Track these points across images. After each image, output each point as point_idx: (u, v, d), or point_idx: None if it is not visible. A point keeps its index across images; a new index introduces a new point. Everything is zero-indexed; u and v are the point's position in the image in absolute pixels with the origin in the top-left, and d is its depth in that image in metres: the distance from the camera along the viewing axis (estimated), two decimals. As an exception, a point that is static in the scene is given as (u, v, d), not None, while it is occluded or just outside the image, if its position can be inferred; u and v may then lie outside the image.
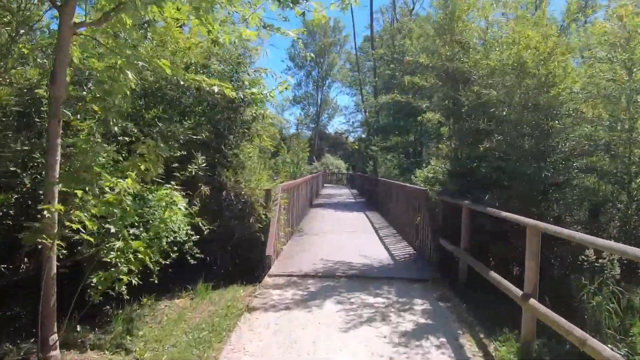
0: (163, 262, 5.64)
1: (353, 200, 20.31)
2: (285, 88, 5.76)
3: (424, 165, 18.49)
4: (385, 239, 9.70)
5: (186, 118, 6.74)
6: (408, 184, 10.32)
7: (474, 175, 7.03)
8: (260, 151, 8.59)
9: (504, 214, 4.73)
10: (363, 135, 61.53)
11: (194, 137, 6.43)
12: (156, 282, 5.47)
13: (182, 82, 4.88)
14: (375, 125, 21.14)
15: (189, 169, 6.23)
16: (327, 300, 5.38)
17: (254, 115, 7.45)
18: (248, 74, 7.25)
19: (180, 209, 3.71)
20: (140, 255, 3.64)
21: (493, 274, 4.76)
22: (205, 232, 6.11)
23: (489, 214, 5.15)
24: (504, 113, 6.26)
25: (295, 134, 65.55)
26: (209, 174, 6.84)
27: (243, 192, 7.17)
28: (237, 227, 7.17)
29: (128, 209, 3.74)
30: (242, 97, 5.65)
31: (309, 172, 36.05)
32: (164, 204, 3.73)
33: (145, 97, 6.84)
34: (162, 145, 3.26)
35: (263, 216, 7.25)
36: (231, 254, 7.45)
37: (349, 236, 9.89)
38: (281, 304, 5.28)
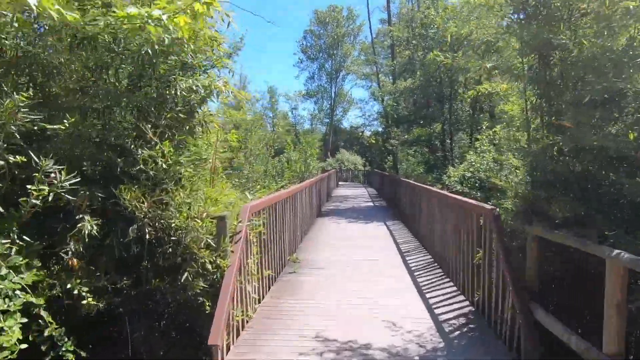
0: None
1: (370, 204, 17.02)
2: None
3: (456, 161, 15.08)
4: (419, 276, 6.40)
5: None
6: (456, 195, 6.69)
7: (597, 187, 3.73)
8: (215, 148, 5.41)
9: None
10: (380, 129, 58.04)
11: (46, 126, 3.25)
12: None
13: None
14: (395, 114, 17.70)
15: (33, 192, 3.08)
16: None
17: (196, 88, 4.26)
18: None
19: None
20: None
21: None
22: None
23: None
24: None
25: (310, 130, 62.67)
26: (101, 195, 3.69)
27: (173, 226, 3.99)
28: (166, 288, 4.01)
29: None
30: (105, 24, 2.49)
31: (321, 170, 32.93)
32: None
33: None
34: None
35: (211, 266, 4.07)
36: (162, 330, 4.32)
37: (366, 275, 6.59)
38: None
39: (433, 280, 6.19)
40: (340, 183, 33.48)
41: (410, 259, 7.46)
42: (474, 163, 11.35)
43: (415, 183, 10.15)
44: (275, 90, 65.70)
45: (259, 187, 16.25)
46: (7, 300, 2.70)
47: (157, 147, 3.82)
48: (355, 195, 21.01)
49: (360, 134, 60.22)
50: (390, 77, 22.21)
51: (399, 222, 11.98)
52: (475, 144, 12.36)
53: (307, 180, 11.42)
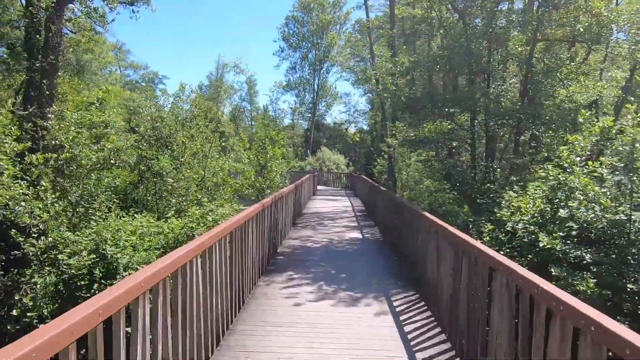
0: None
1: (358, 236, 10.88)
2: None
3: (505, 183, 9.04)
4: None
5: None
6: None
7: None
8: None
9: None
10: (365, 127, 51.98)
11: None
12: None
13: None
14: (403, 97, 11.18)
15: None
16: None
17: None
18: None
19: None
20: None
21: None
22: None
23: None
24: None
25: (290, 125, 56.52)
26: None
27: None
28: None
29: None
30: None
31: (298, 170, 26.75)
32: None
33: None
34: None
35: None
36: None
37: None
38: None
39: None
40: (319, 188, 27.44)
41: None
42: (579, 190, 5.38)
43: (489, 254, 3.81)
44: (255, 81, 59.58)
45: (172, 213, 10.06)
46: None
47: None
48: (335, 213, 14.92)
49: (344, 131, 54.44)
50: (390, 46, 15.95)
51: (416, 299, 5.95)
52: (560, 150, 6.41)
53: (235, 219, 5.23)
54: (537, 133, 9.67)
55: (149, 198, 11.29)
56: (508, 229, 6.43)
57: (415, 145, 10.76)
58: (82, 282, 7.29)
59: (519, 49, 10.08)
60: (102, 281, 7.35)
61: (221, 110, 49.87)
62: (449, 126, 10.61)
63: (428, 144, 10.41)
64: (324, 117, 55.69)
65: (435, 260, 5.54)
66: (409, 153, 13.42)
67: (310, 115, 52.01)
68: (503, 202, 6.81)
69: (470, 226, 6.81)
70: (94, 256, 7.37)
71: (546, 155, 9.94)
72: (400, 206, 7.99)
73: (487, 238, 6.35)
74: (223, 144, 13.07)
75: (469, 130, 9.94)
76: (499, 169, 9.80)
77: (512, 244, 6.26)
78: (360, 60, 40.63)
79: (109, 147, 9.08)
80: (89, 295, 7.18)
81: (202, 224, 8.25)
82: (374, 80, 14.22)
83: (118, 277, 7.43)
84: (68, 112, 8.98)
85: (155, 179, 11.16)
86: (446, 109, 9.38)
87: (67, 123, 8.89)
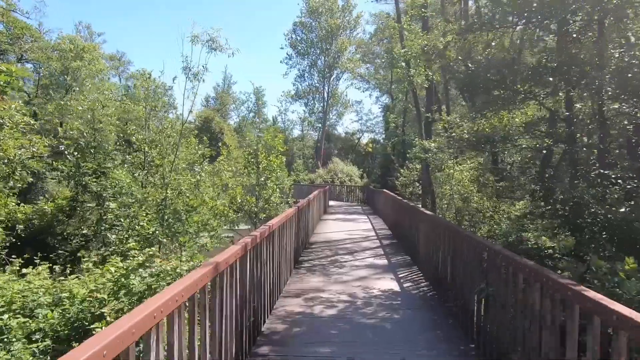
0: None
1: (394, 287, 6.93)
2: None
3: None
4: None
5: None
6: None
7: None
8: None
9: None
10: (379, 137, 48.06)
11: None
12: None
13: None
14: (455, 71, 7.22)
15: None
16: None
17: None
18: None
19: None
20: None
21: None
22: None
23: None
24: None
25: (300, 136, 53.08)
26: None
27: None
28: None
29: None
30: None
31: (295, 194, 23.09)
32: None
33: None
34: None
35: None
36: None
37: None
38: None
39: None
40: (331, 204, 23.65)
41: None
42: None
43: None
44: (262, 91, 56.52)
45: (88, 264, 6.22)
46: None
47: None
48: (353, 241, 11.12)
49: (357, 141, 50.88)
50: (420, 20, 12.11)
51: None
52: None
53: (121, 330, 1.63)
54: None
55: (85, 232, 7.68)
56: None
57: (480, 146, 6.93)
58: None
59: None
60: None
61: (227, 122, 46.67)
62: (526, 115, 6.82)
63: (499, 142, 6.63)
64: (334, 127, 52.25)
65: None
66: (453, 160, 9.68)
67: (320, 125, 48.50)
68: None
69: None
70: None
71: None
72: (486, 253, 4.16)
73: None
74: (200, 151, 9.47)
75: (567, 118, 6.15)
76: (620, 181, 5.96)
77: None
78: (372, 61, 37.15)
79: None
80: None
81: (123, 290, 4.51)
82: (403, 64, 10.52)
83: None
84: None
85: (94, 205, 7.53)
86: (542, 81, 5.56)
87: None
